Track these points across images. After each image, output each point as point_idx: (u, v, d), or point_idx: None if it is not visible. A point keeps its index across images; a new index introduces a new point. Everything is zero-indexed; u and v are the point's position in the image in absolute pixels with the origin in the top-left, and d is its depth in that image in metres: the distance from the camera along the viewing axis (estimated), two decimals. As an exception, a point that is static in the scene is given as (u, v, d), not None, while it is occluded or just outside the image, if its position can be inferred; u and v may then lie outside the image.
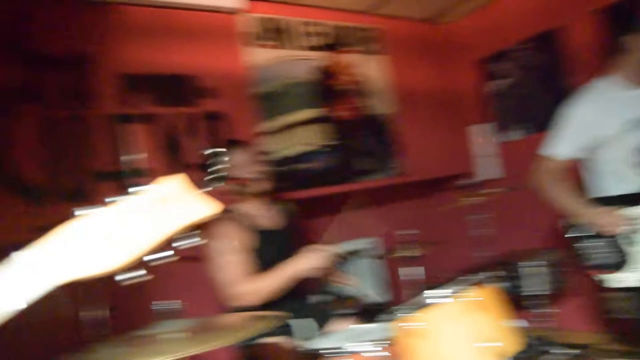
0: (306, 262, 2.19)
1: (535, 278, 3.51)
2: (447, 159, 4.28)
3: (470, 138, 4.40)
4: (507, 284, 3.51)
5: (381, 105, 3.84)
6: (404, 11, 4.06)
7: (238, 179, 2.37)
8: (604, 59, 2.31)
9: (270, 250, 2.37)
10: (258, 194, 2.45)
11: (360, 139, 3.64)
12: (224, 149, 2.45)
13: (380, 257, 3.24)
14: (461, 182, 4.38)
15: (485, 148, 4.28)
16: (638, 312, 2.25)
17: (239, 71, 3.14)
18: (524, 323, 1.93)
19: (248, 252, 2.31)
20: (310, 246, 2.28)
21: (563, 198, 2.21)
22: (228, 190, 2.37)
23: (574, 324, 3.80)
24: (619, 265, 2.14)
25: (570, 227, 2.26)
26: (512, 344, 1.84)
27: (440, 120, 4.32)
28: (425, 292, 1.88)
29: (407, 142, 3.94)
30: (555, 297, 3.65)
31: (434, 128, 4.23)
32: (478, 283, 1.89)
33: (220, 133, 2.96)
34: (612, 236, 2.14)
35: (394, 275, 2.88)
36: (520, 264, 3.50)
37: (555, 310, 3.40)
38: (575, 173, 2.37)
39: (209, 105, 2.99)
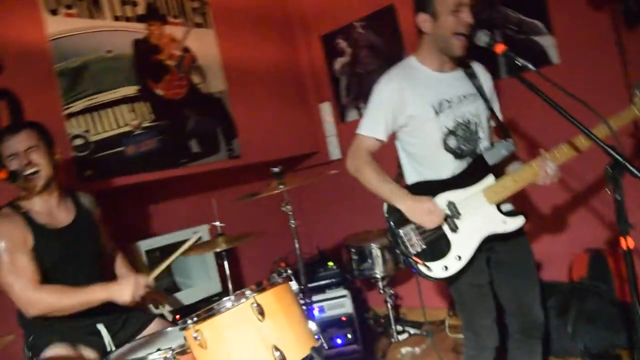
0: (116, 293, 2.05)
1: (379, 259, 3.45)
2: (291, 138, 4.07)
3: (320, 116, 4.26)
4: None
5: (213, 83, 3.55)
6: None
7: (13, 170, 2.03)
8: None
9: (50, 250, 2.06)
10: (42, 187, 2.10)
11: (188, 119, 3.33)
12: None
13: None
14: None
15: (332, 127, 4.18)
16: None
17: (31, 42, 2.69)
18: (313, 325, 1.84)
19: (27, 253, 2.01)
20: (126, 277, 2.21)
21: (378, 182, 1.96)
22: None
23: (414, 302, 3.88)
24: (442, 254, 1.90)
25: (391, 211, 1.96)
26: (301, 347, 1.73)
27: (284, 97, 4.08)
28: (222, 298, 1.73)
29: (243, 122, 3.64)
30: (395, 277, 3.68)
31: (275, 106, 3.97)
32: (270, 285, 1.75)
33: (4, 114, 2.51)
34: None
35: (223, 265, 2.67)
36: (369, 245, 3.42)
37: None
38: (391, 155, 2.20)
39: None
